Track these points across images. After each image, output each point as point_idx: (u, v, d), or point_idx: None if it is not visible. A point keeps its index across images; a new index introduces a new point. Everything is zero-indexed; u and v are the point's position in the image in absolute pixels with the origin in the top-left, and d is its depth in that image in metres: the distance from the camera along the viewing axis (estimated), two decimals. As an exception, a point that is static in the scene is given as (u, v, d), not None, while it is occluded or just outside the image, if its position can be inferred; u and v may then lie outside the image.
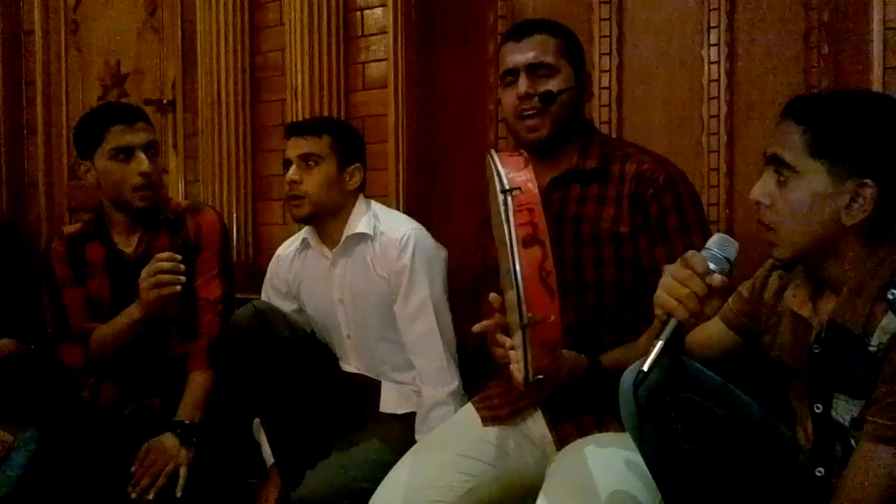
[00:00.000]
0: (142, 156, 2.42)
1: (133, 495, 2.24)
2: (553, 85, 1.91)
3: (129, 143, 2.41)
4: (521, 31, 1.96)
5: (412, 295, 2.32)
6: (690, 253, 1.46)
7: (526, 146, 1.93)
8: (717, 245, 1.46)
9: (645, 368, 1.41)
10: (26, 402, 2.50)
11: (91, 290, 2.49)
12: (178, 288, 2.27)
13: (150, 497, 2.23)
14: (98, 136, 2.43)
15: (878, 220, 1.45)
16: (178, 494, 2.26)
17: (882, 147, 1.44)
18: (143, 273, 2.28)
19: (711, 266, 1.44)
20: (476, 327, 1.78)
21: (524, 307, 1.44)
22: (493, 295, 1.77)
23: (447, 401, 2.28)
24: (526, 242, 1.45)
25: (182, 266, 2.27)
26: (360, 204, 2.43)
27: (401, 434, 2.31)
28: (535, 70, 1.91)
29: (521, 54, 1.92)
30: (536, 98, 1.90)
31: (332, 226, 2.42)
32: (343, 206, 2.41)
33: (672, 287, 1.43)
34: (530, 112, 1.91)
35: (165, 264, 2.26)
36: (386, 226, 2.39)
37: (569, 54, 1.95)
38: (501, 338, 1.72)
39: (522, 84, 1.91)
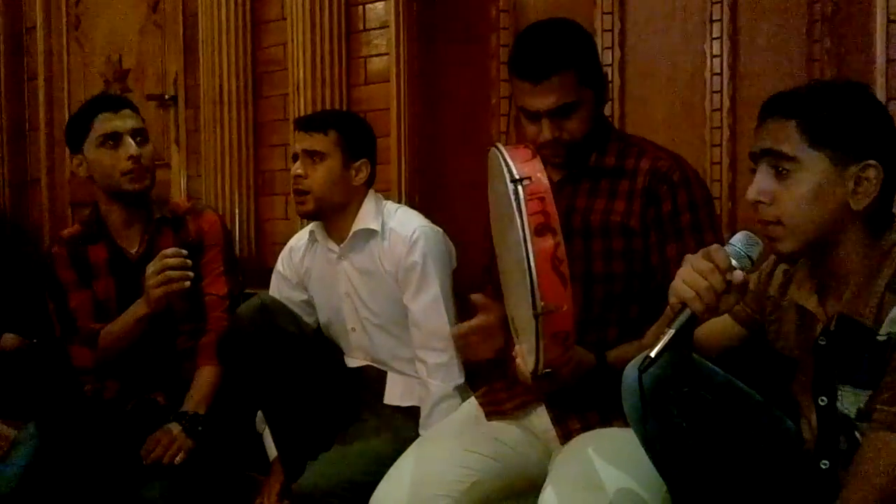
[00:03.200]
0: (129, 140, 2.43)
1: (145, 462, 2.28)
2: (576, 124, 1.84)
3: (115, 129, 2.43)
4: (537, 71, 1.81)
5: (422, 292, 2.32)
6: (715, 247, 1.45)
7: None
8: (742, 242, 1.46)
9: (653, 354, 1.41)
10: (30, 398, 2.51)
11: (97, 292, 2.50)
12: (187, 284, 2.28)
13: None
14: (86, 127, 2.45)
15: (880, 204, 1.45)
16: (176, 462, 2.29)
17: (878, 128, 1.46)
18: (149, 270, 2.28)
19: (733, 262, 1.43)
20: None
21: (537, 296, 1.44)
22: (475, 295, 1.80)
23: (453, 395, 2.29)
24: (538, 231, 1.45)
25: (189, 262, 2.28)
26: (370, 199, 2.42)
27: (403, 427, 2.31)
28: (556, 113, 1.83)
29: (540, 99, 1.81)
30: (565, 136, 1.84)
31: (339, 221, 2.41)
32: (350, 202, 2.40)
33: (691, 278, 1.42)
34: (552, 149, 1.85)
35: (172, 260, 2.27)
36: (395, 222, 2.38)
37: (588, 78, 1.85)
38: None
39: (546, 131, 1.83)
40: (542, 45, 1.84)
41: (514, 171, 1.50)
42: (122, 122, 2.44)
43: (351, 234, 2.39)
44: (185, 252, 2.30)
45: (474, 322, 1.86)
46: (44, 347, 2.81)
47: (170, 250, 2.29)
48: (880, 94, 2.25)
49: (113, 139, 2.42)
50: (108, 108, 2.46)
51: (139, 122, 2.49)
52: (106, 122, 2.43)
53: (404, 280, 2.34)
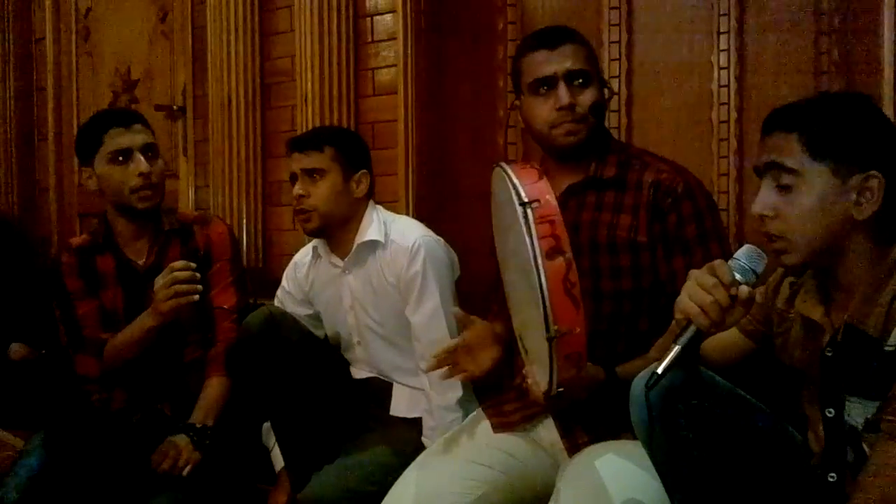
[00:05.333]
0: (140, 157, 2.42)
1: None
2: (591, 94, 1.88)
3: (126, 146, 2.41)
4: (552, 38, 1.89)
5: (423, 303, 2.32)
6: (718, 262, 1.45)
7: (557, 151, 1.92)
8: (746, 256, 1.45)
9: (659, 371, 1.41)
10: (37, 407, 2.51)
11: (105, 302, 2.49)
12: (196, 297, 2.28)
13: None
14: (96, 141, 2.43)
15: (885, 214, 1.46)
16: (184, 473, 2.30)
17: (879, 137, 1.47)
18: (158, 282, 2.27)
19: (737, 277, 1.43)
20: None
21: (550, 320, 1.43)
22: (454, 309, 1.86)
23: (455, 408, 2.29)
24: (549, 254, 1.44)
25: (198, 275, 2.28)
26: (370, 211, 2.43)
27: (408, 439, 2.31)
28: (573, 79, 1.86)
29: (558, 63, 1.86)
30: (579, 109, 1.86)
31: (342, 235, 2.42)
32: (353, 215, 2.40)
33: (696, 293, 1.42)
34: (570, 121, 1.87)
35: (181, 273, 2.26)
36: (396, 233, 2.39)
37: (595, 63, 1.93)
38: None
39: (564, 95, 1.85)
40: (556, 25, 1.98)
41: (523, 194, 1.49)
42: (133, 138, 2.43)
43: (355, 247, 2.39)
44: (193, 265, 2.29)
45: (456, 342, 1.88)
46: (52, 358, 2.82)
47: (179, 263, 2.29)
48: (888, 107, 2.25)
49: (123, 155, 2.41)
50: (120, 122, 2.44)
51: (150, 137, 2.48)
52: (117, 138, 2.42)
53: (406, 291, 2.34)
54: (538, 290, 1.43)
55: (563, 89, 1.86)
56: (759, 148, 1.53)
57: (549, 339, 1.44)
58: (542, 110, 1.89)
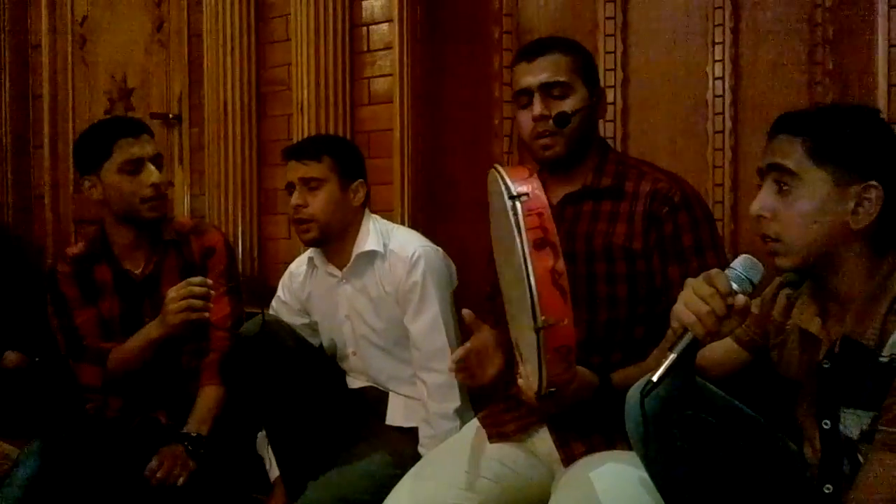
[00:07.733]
0: (151, 167, 2.42)
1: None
2: (568, 105, 1.90)
3: (137, 156, 2.41)
4: (532, 50, 1.95)
5: (423, 312, 2.33)
6: (715, 271, 1.46)
7: (542, 163, 1.95)
8: (743, 266, 1.46)
9: (655, 379, 1.41)
10: (32, 416, 2.50)
11: (101, 311, 2.49)
12: (207, 315, 2.28)
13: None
14: (106, 150, 2.42)
15: (882, 226, 1.47)
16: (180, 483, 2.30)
17: (882, 149, 1.48)
18: (172, 294, 2.27)
19: (734, 286, 1.44)
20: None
21: (537, 310, 1.44)
22: (465, 311, 1.84)
23: (452, 417, 2.29)
24: (537, 245, 1.46)
25: (212, 292, 2.28)
26: (367, 221, 2.43)
27: (404, 448, 2.32)
28: (548, 90, 1.91)
29: (533, 75, 1.91)
30: (551, 120, 1.89)
31: (339, 245, 2.42)
32: (350, 225, 2.41)
33: (692, 302, 1.43)
34: (545, 133, 1.91)
35: (198, 289, 2.26)
36: (395, 243, 2.39)
37: (582, 72, 1.94)
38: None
39: (537, 106, 1.90)
40: (542, 37, 2.04)
41: (512, 188, 1.52)
42: (143, 148, 2.43)
43: (353, 257, 2.39)
44: (210, 282, 2.29)
45: (469, 345, 1.87)
46: (46, 365, 2.81)
47: (196, 279, 2.28)
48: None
49: (135, 165, 2.40)
50: (128, 133, 2.43)
51: (156, 148, 2.48)
52: (128, 148, 2.41)
53: (404, 301, 2.35)
54: (525, 280, 1.45)
55: (536, 100, 1.91)
56: (764, 150, 1.54)
57: (537, 331, 1.45)
58: (523, 121, 1.95)
